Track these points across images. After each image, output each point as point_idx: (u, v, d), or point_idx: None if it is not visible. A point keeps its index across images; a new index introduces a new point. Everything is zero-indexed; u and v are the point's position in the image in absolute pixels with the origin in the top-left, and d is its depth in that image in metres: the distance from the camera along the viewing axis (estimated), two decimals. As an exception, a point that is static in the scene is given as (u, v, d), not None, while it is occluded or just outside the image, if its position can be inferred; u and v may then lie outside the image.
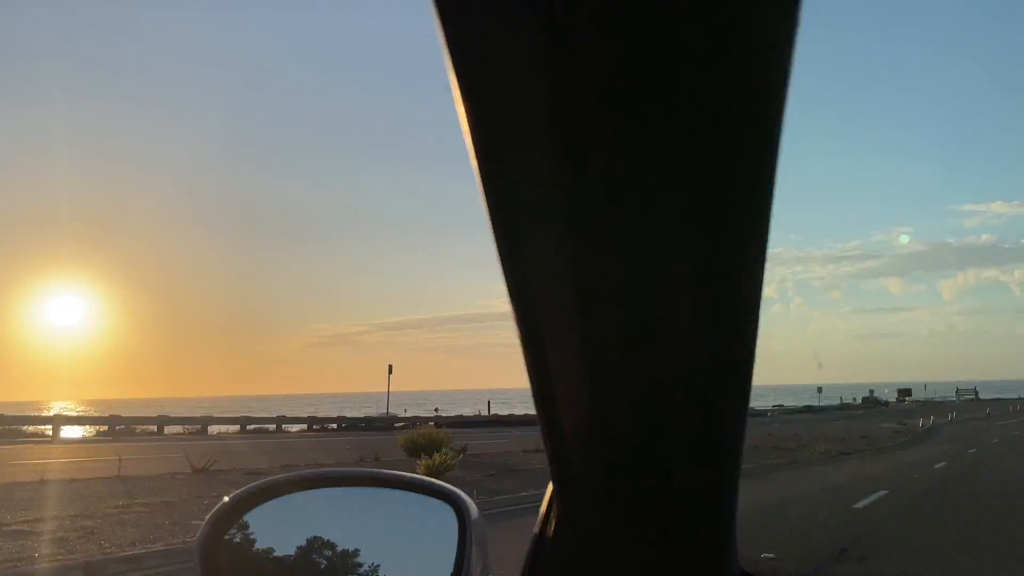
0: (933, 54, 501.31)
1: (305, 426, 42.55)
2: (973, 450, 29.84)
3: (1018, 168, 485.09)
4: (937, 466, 22.28)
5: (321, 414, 47.44)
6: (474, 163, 0.63)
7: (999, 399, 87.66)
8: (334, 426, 42.87)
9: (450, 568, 1.04)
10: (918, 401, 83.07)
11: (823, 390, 78.41)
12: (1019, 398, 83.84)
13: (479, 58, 0.56)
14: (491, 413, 49.26)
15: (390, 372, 41.05)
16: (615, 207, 0.64)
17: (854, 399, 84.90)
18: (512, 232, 0.68)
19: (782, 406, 71.57)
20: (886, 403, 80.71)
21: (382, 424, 41.78)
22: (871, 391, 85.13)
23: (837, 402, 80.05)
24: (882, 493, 14.84)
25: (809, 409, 68.41)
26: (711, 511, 0.89)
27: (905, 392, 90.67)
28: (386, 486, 1.16)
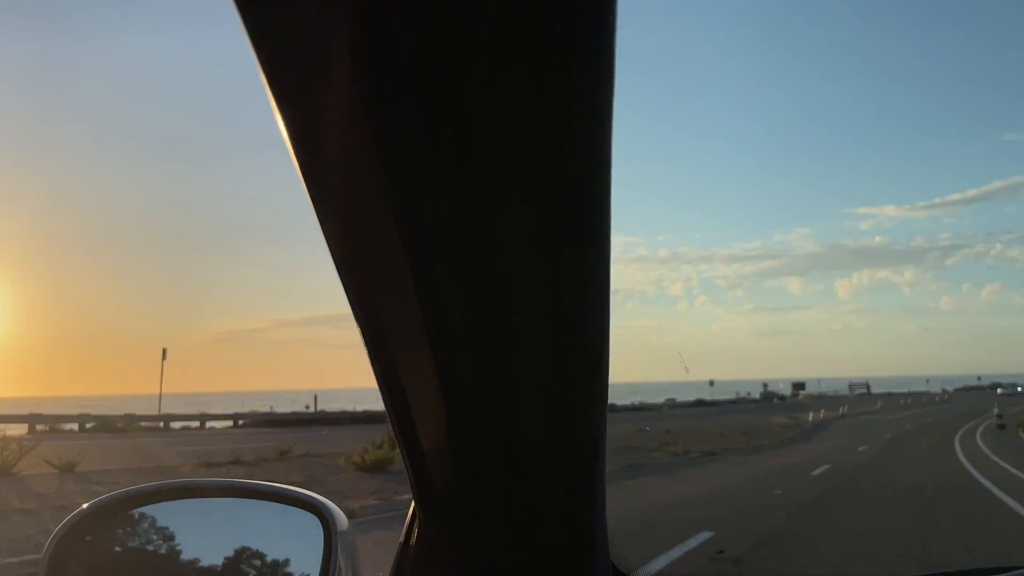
0: (828, 60, 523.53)
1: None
2: (863, 447, 25.89)
3: (909, 173, 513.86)
4: (816, 472, 17.38)
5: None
6: (295, 160, 0.62)
7: (891, 394, 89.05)
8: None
9: None
10: (812, 396, 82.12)
11: (727, 386, 77.06)
12: (909, 392, 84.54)
13: (291, 59, 0.55)
14: (317, 410, 44.31)
15: (163, 358, 36.30)
16: (451, 212, 0.64)
17: (748, 393, 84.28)
18: (346, 241, 0.68)
19: (675, 400, 70.22)
20: (782, 397, 79.68)
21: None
22: (765, 385, 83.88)
23: (734, 396, 79.77)
24: (704, 536, 8.98)
25: (701, 403, 66.70)
26: (575, 513, 0.90)
27: (799, 386, 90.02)
28: (248, 496, 1.12)
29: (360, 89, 0.56)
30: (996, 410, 39.78)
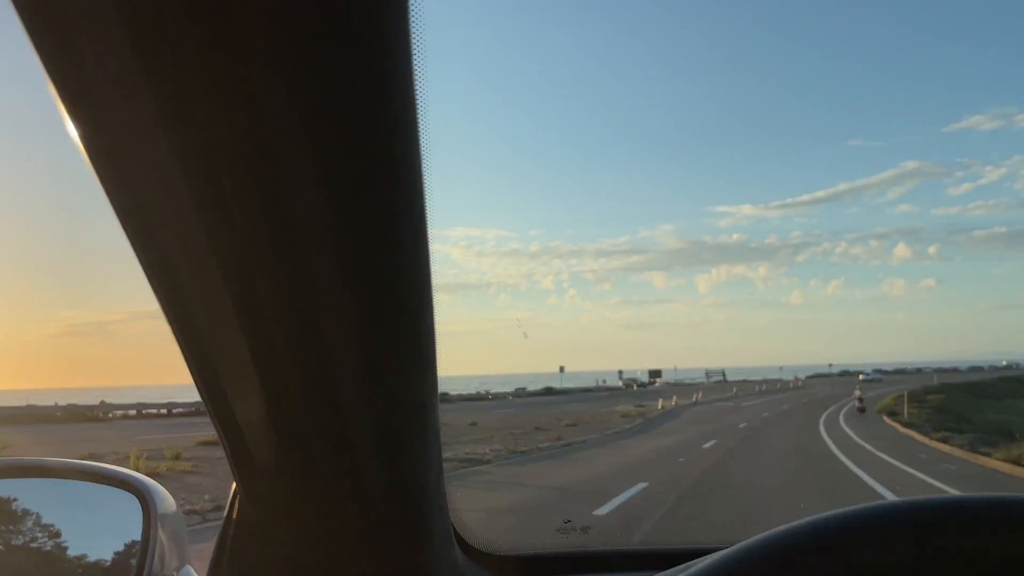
0: (690, 64, 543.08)
1: None
2: (711, 443, 19.63)
3: (764, 175, 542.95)
4: (618, 500, 10.33)
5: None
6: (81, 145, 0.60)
7: (746, 381, 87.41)
8: None
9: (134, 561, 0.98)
10: (669, 383, 78.75)
11: (591, 376, 72.78)
12: (763, 380, 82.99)
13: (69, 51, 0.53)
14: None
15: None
16: (255, 213, 0.63)
17: (604, 381, 79.86)
18: (151, 245, 0.67)
19: (525, 389, 66.14)
20: (643, 384, 75.93)
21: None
22: (621, 372, 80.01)
23: (592, 384, 76.53)
24: None
25: (549, 391, 60.81)
26: (407, 487, 0.90)
27: (656, 374, 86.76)
28: (64, 477, 1.08)
29: (157, 100, 0.55)
30: (858, 392, 37.63)
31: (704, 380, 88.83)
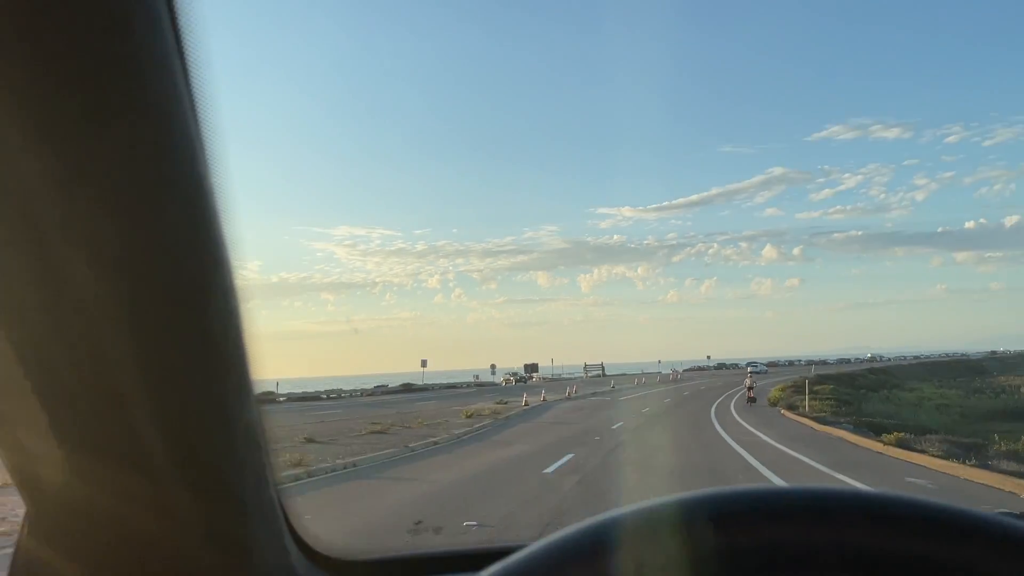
0: (573, 72, 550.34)
1: None
2: (564, 460, 13.13)
3: (643, 178, 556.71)
4: None
5: None
6: None
7: (624, 375, 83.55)
8: None
9: None
10: (546, 378, 73.49)
11: (470, 373, 66.83)
12: (643, 373, 79.43)
13: None
14: None
15: None
16: (49, 216, 0.61)
17: (476, 376, 74.26)
18: None
19: (385, 386, 60.29)
20: (523, 379, 70.47)
21: None
22: (493, 366, 74.02)
23: (467, 380, 72.13)
24: None
25: (408, 388, 54.38)
26: (225, 516, 0.86)
27: (531, 368, 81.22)
28: None
29: None
30: (749, 381, 33.64)
31: (582, 375, 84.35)
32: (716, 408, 28.61)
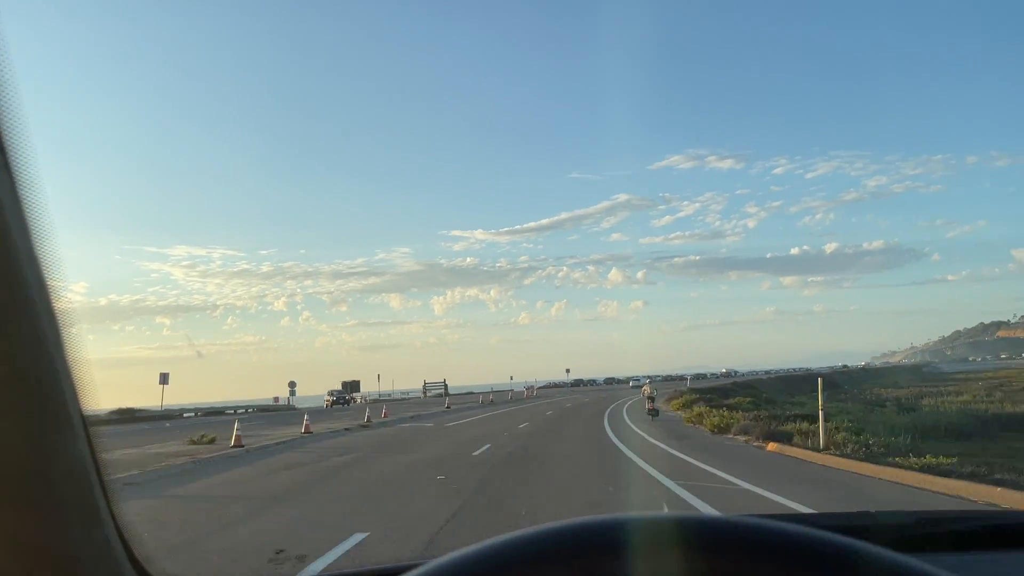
0: (421, 93, 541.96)
1: None
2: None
3: (497, 201, 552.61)
4: None
5: None
6: None
7: (471, 392, 75.44)
8: None
9: None
10: (371, 400, 59.06)
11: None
12: (491, 390, 67.20)
13: None
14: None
15: None
16: None
17: (276, 399, 59.88)
18: None
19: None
20: (345, 401, 57.46)
21: None
22: (292, 384, 59.55)
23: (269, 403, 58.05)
24: None
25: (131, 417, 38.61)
26: (46, 547, 0.79)
27: (351, 387, 66.18)
28: None
29: None
30: (648, 389, 24.90)
31: (420, 395, 70.40)
32: (612, 425, 15.42)
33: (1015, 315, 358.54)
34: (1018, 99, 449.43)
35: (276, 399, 60.89)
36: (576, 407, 33.33)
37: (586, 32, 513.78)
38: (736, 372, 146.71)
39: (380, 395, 67.48)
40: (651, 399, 22.74)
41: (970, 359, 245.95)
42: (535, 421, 23.64)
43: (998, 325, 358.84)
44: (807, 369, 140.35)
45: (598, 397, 46.81)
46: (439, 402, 48.29)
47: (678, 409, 26.79)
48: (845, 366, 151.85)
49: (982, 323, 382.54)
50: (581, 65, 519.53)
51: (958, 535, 1.58)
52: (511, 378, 72.81)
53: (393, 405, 44.38)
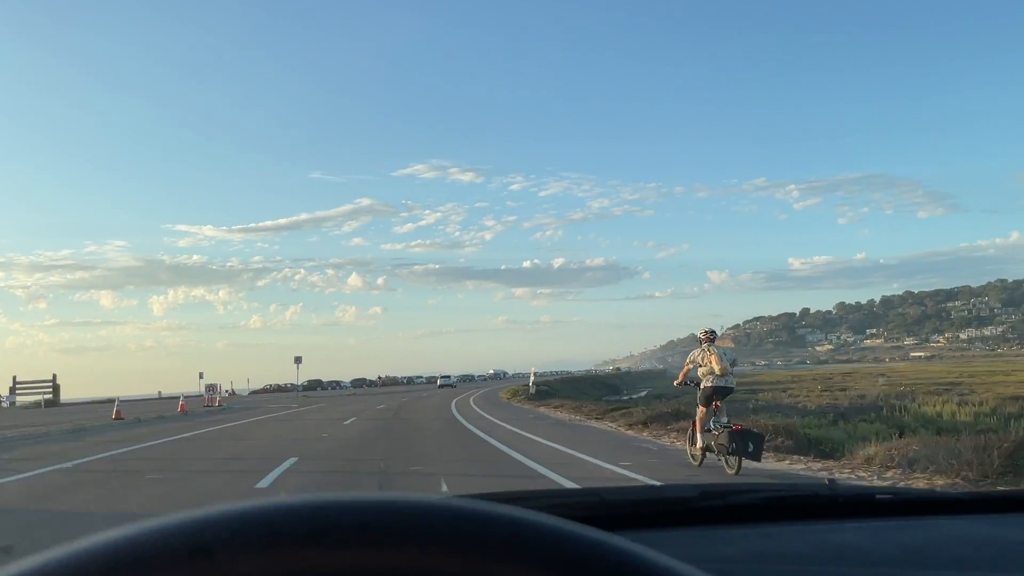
0: (140, 74, 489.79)
1: None
2: None
3: (229, 196, 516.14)
4: None
5: None
6: None
7: (106, 401, 59.94)
8: None
9: None
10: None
11: None
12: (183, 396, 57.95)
13: None
14: None
15: None
16: None
17: None
18: None
19: None
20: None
21: None
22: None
23: None
24: None
25: None
26: None
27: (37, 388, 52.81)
28: None
29: None
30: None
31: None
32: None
33: (722, 327, 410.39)
34: (717, 138, 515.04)
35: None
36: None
37: (330, 36, 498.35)
38: (505, 374, 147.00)
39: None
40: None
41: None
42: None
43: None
44: (568, 372, 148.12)
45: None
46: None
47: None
48: (617, 369, 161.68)
49: (693, 334, 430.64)
50: (325, 65, 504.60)
51: (732, 508, 1.62)
52: (200, 375, 57.63)
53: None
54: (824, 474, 8.75)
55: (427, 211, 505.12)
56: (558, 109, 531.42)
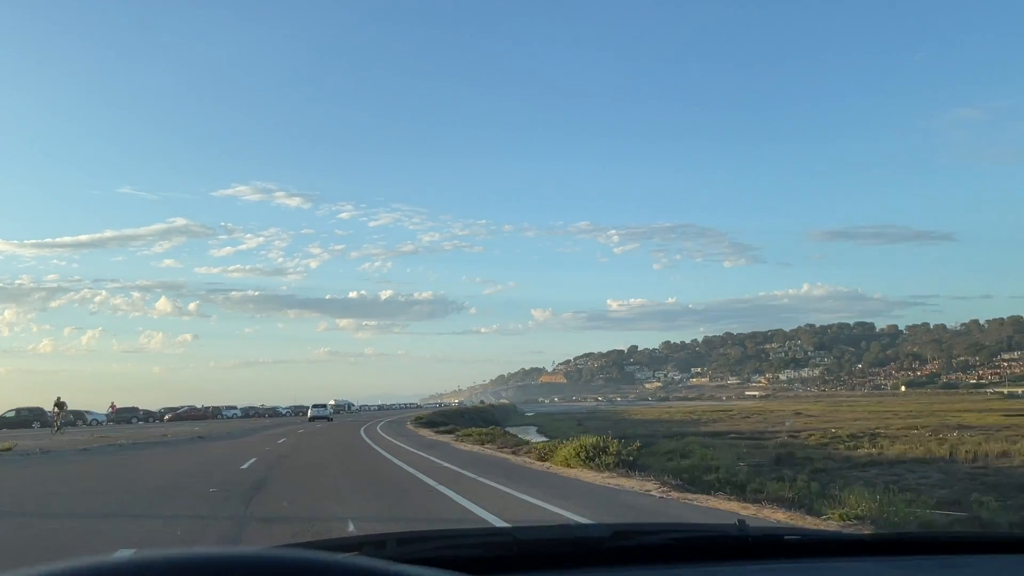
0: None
1: None
2: None
3: (19, 206, 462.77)
4: None
5: None
6: None
7: None
8: None
9: None
10: None
11: None
12: None
13: None
14: None
15: None
16: None
17: None
18: None
19: None
20: None
21: None
22: None
23: None
24: None
25: None
26: None
27: None
28: None
29: None
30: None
31: None
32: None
33: (553, 363, 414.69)
34: (547, 181, 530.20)
35: None
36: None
37: (146, 47, 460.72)
38: (351, 406, 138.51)
39: None
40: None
41: (542, 400, 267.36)
42: None
43: (539, 371, 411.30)
44: (391, 406, 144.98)
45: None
46: None
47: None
48: (491, 404, 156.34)
49: (523, 369, 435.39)
50: (139, 74, 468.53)
51: (649, 549, 1.62)
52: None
53: None
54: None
55: (248, 235, 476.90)
56: (393, 138, 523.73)
